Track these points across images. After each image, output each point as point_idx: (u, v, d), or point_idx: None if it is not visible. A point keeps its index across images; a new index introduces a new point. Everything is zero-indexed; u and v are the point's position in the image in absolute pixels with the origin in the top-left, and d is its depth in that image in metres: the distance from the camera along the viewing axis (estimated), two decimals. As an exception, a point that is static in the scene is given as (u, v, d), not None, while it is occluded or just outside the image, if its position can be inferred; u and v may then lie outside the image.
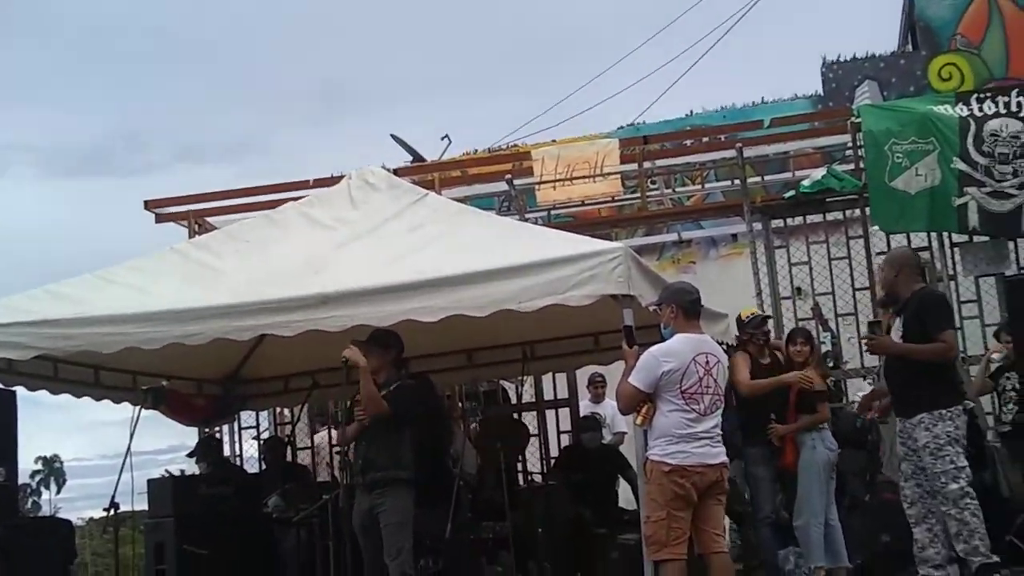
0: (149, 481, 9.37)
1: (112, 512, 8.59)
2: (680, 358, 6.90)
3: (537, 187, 12.93)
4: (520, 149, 15.67)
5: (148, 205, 13.51)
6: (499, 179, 13.54)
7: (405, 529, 7.96)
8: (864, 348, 9.23)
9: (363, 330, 8.11)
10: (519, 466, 11.44)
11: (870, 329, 8.28)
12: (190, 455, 11.09)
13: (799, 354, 9.30)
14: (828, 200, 12.00)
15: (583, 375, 12.51)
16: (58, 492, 73.17)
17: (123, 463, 8.65)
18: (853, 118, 12.28)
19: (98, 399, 10.21)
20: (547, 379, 12.40)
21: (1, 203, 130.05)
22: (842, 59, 19.44)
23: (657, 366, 6.89)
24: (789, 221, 12.39)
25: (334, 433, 11.85)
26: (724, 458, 6.99)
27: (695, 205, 15.46)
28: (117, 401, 10.33)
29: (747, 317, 9.58)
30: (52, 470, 74.86)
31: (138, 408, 9.34)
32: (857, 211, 11.87)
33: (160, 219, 13.55)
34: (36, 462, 70.27)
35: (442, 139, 17.69)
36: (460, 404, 12.33)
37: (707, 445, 6.88)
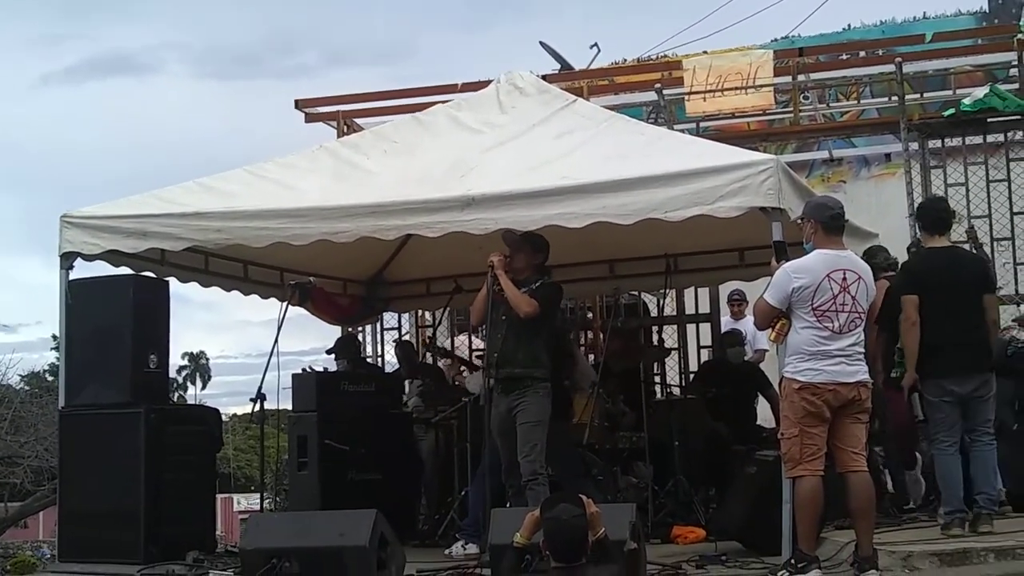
0: (293, 376, 9.53)
1: (259, 403, 8.78)
2: (812, 274, 6.73)
3: (687, 98, 12.74)
4: (670, 59, 15.39)
5: (299, 104, 13.70)
6: (648, 89, 13.34)
7: (540, 428, 7.94)
8: None
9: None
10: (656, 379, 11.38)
11: None
12: (329, 352, 11.26)
13: None
14: (989, 120, 11.56)
15: (725, 291, 12.38)
16: (203, 388, 75.30)
17: (269, 358, 8.83)
18: (1020, 35, 11.82)
19: (246, 294, 10.43)
20: (688, 293, 12.30)
21: (156, 100, 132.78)
22: (1010, -26, 18.65)
23: (788, 282, 6.75)
24: (947, 141, 11.98)
25: (474, 339, 11.93)
26: (862, 376, 6.81)
27: (849, 121, 15.04)
28: (265, 296, 10.56)
29: None
30: (198, 366, 76.95)
31: (285, 303, 9.52)
32: (1020, 133, 11.48)
33: (310, 119, 13.72)
34: (183, 357, 72.38)
35: (591, 47, 17.47)
36: (600, 315, 12.30)
37: (842, 363, 6.70)
